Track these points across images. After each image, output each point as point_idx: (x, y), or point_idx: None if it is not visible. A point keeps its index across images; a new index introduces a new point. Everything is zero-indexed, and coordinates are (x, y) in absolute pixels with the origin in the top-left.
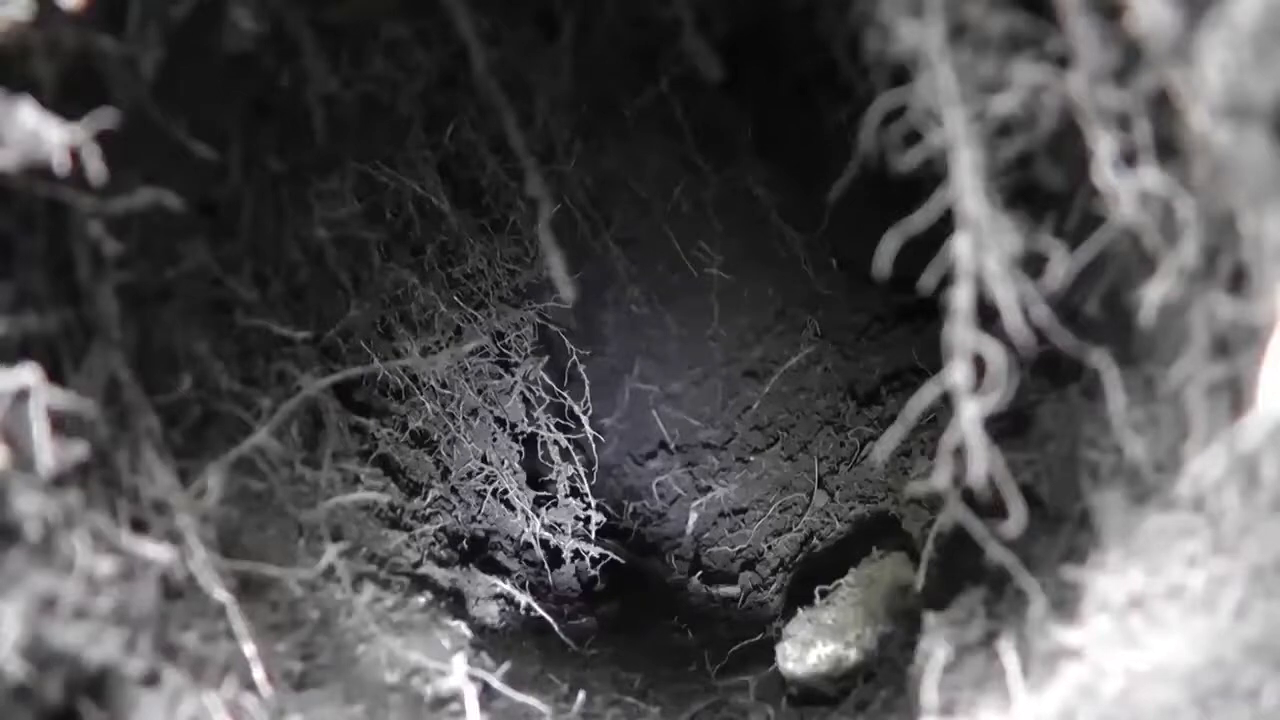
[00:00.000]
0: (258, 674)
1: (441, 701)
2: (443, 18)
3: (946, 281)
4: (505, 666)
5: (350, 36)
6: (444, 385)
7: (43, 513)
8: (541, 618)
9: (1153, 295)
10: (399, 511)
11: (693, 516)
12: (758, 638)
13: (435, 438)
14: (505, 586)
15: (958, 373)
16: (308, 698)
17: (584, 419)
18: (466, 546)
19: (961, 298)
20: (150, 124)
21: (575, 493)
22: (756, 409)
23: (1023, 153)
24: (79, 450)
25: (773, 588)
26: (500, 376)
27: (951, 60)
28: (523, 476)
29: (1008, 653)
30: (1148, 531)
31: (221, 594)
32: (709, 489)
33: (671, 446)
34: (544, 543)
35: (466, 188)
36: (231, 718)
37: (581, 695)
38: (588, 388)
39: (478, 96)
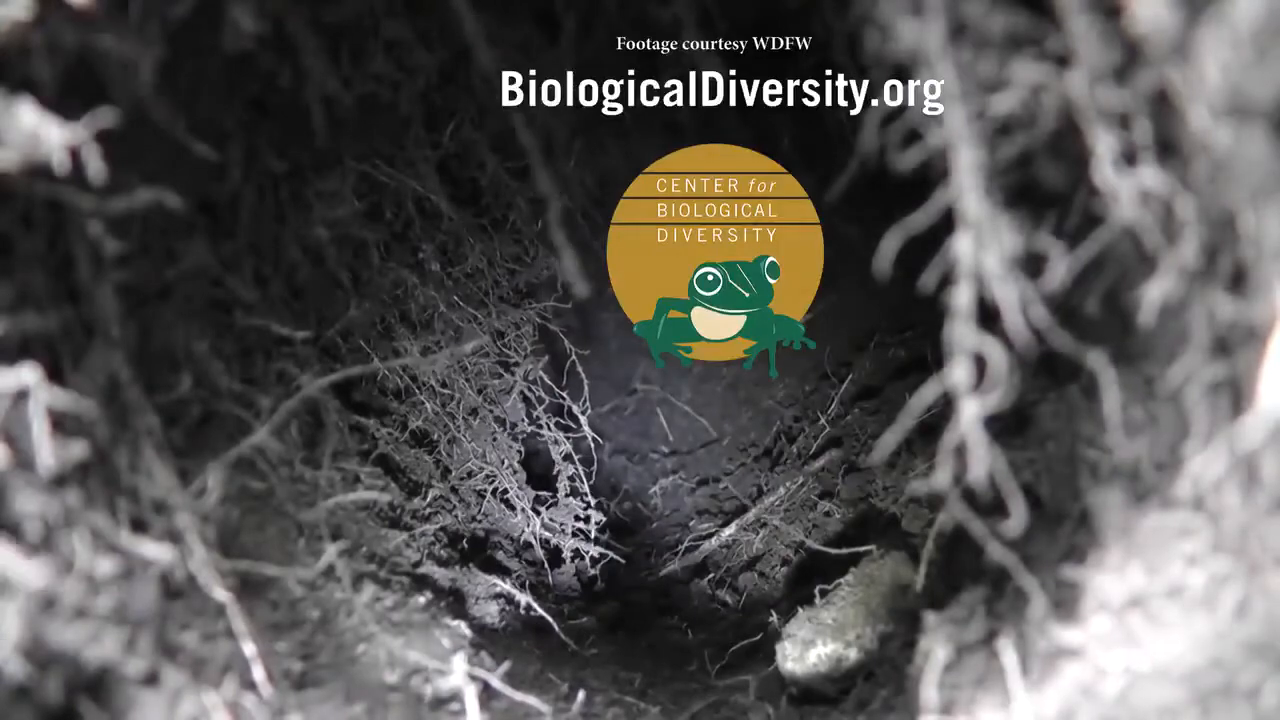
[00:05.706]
0: (258, 674)
1: (441, 701)
2: (443, 17)
3: (947, 281)
4: (505, 666)
5: (350, 36)
6: (444, 385)
7: (43, 513)
8: (541, 618)
9: (1153, 295)
10: (399, 511)
11: (693, 516)
12: (758, 638)
13: (435, 437)
14: (505, 586)
15: (958, 372)
16: (307, 697)
17: (583, 419)
18: (466, 546)
19: (961, 297)
20: (150, 124)
21: (575, 493)
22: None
23: (1023, 152)
24: (79, 450)
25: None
26: (500, 376)
27: (951, 60)
28: (523, 476)
29: (1008, 652)
30: (1147, 531)
31: (221, 594)
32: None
33: (672, 447)
34: (544, 542)
35: (466, 187)
36: (231, 718)
37: (581, 695)
38: (587, 387)
39: (478, 95)
